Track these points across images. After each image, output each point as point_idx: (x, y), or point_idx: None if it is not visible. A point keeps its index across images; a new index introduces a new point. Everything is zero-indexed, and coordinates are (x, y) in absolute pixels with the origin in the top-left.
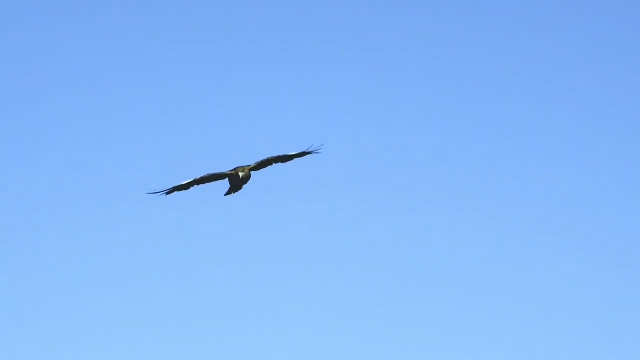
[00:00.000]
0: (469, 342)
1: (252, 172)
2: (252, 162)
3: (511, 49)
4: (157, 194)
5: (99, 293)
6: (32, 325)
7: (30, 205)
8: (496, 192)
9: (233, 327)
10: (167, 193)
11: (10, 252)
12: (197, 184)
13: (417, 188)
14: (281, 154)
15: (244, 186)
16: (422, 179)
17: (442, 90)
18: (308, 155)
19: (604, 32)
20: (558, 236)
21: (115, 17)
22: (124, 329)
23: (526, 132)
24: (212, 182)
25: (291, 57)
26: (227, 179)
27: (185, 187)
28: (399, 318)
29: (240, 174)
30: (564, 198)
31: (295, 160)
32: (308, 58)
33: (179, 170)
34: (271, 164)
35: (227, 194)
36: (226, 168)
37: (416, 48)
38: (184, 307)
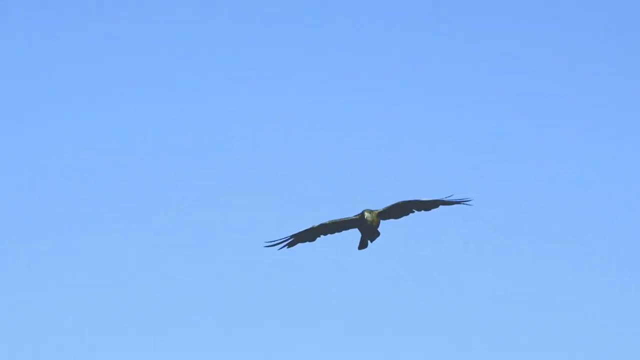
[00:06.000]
0: (470, 342)
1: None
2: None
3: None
4: (275, 246)
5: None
6: (38, 325)
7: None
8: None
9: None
10: (289, 246)
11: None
12: (323, 234)
13: None
14: (417, 198)
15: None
16: None
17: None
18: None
19: (604, 32)
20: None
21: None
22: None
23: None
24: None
25: None
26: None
27: (309, 237)
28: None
29: (366, 215)
30: (563, 199)
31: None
32: None
33: None
34: (412, 211)
35: (362, 247)
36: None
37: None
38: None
